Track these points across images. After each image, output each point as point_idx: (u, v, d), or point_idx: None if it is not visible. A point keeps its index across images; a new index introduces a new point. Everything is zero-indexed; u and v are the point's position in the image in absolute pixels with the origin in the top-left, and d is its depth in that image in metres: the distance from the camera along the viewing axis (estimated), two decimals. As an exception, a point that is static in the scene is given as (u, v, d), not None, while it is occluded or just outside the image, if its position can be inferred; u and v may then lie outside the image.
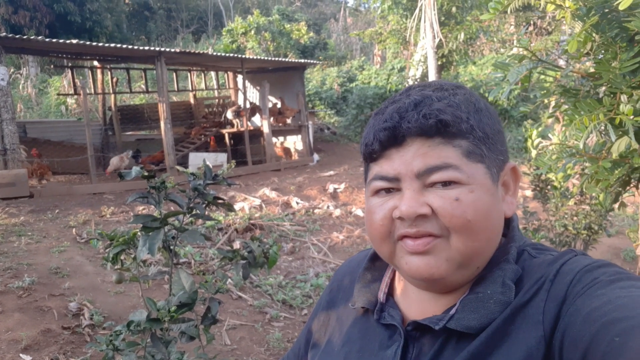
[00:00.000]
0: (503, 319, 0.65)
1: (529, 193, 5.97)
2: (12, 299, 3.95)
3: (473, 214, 0.66)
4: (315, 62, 15.17)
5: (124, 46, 9.58)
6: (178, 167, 2.37)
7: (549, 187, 4.48)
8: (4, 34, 8.83)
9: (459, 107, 0.69)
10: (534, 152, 4.09)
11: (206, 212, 2.18)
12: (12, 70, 18.48)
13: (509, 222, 0.75)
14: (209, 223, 6.50)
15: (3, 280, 4.21)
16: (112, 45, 9.47)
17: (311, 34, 22.88)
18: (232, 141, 12.12)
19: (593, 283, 0.61)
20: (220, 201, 2.21)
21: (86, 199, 8.12)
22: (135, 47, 9.75)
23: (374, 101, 15.66)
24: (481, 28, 10.37)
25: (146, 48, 9.98)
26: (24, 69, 18.85)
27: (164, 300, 1.97)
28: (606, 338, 0.54)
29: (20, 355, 3.28)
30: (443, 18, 10.71)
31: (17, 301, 3.94)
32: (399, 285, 0.80)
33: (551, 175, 3.44)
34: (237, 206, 7.39)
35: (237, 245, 5.68)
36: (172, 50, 10.29)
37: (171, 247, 2.10)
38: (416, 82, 9.44)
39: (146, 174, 1.99)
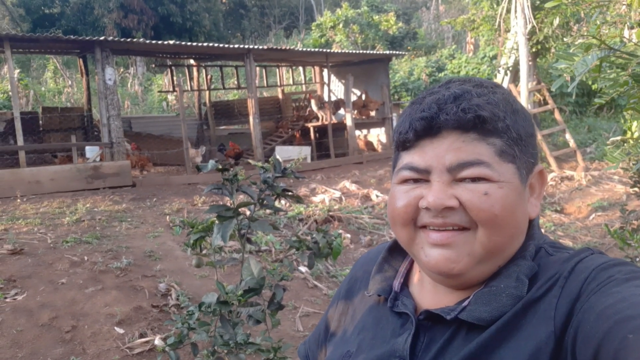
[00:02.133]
0: (514, 313, 0.65)
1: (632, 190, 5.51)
2: (111, 278, 4.41)
3: (500, 209, 0.67)
4: (400, 53, 14.97)
5: (216, 45, 10.14)
6: (250, 161, 2.53)
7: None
8: (111, 37, 9.72)
9: (497, 106, 0.69)
10: (619, 147, 3.78)
11: (285, 204, 2.31)
12: (121, 70, 20.24)
13: (530, 222, 0.75)
14: (290, 213, 6.74)
15: (105, 261, 4.71)
16: (205, 44, 10.06)
17: (400, 24, 22.53)
18: (317, 134, 12.37)
19: (608, 281, 0.61)
20: (289, 193, 2.33)
21: (181, 188, 8.74)
22: (226, 46, 10.28)
23: (464, 91, 15.11)
24: (581, 11, 9.60)
25: (236, 46, 10.48)
26: (132, 68, 20.54)
27: (234, 285, 2.13)
28: (619, 335, 0.54)
29: (115, 328, 3.67)
30: (538, 2, 10.07)
31: (115, 280, 4.39)
32: (415, 276, 0.82)
33: (653, 171, 3.17)
34: (317, 198, 7.57)
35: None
36: (260, 47, 10.70)
37: (244, 236, 2.25)
38: (508, 71, 8.95)
39: (220, 167, 2.17)
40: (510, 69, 11.26)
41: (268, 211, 2.22)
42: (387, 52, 14.06)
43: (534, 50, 10.60)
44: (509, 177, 0.68)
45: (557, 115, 10.92)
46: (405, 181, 0.72)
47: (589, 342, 0.57)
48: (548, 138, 11.35)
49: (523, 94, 8.55)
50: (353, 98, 12.02)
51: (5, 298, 3.90)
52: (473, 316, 0.67)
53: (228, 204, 2.14)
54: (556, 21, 9.14)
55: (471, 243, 0.68)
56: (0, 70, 16.48)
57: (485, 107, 0.68)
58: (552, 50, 11.14)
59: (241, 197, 2.19)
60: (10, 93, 9.87)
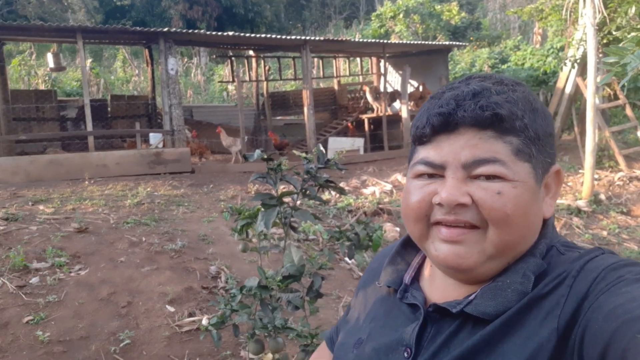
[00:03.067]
0: (518, 308, 0.66)
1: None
2: (165, 259, 4.64)
3: (513, 209, 0.67)
4: (461, 44, 14.56)
5: (273, 36, 10.29)
6: (295, 151, 2.59)
7: None
8: (174, 29, 10.10)
9: (516, 104, 0.69)
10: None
11: (335, 195, 2.36)
12: (185, 60, 20.97)
13: (545, 221, 0.76)
14: (340, 204, 6.80)
15: (161, 242, 4.96)
16: (263, 35, 10.24)
17: (463, 14, 21.88)
18: (372, 126, 12.31)
19: (618, 281, 0.61)
20: (331, 184, 2.38)
21: (237, 176, 9.00)
22: (284, 37, 10.41)
23: (528, 84, 14.54)
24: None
25: (293, 37, 10.59)
26: (195, 58, 21.23)
27: (275, 271, 2.21)
28: (627, 335, 0.54)
29: (167, 306, 3.88)
30: (611, -10, 9.48)
31: (169, 261, 4.62)
32: (426, 270, 0.83)
33: None
34: (367, 190, 7.57)
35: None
36: (317, 38, 10.76)
37: (287, 224, 2.33)
38: (575, 64, 8.49)
39: (265, 157, 2.25)
40: (578, 61, 10.69)
41: (316, 202, 2.28)
42: (447, 42, 13.71)
43: (604, 41, 9.99)
44: (523, 177, 0.68)
45: (628, 111, 10.27)
46: (420, 176, 0.73)
47: (597, 341, 0.57)
48: (617, 135, 10.72)
49: (590, 88, 8.11)
50: (410, 89, 11.85)
51: (70, 272, 4.21)
52: (478, 310, 0.68)
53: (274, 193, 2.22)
54: (632, 10, 8.58)
55: (482, 241, 0.69)
56: (75, 60, 17.53)
57: (503, 105, 0.68)
58: (625, 42, 10.46)
59: (286, 187, 2.26)
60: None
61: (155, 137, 10.18)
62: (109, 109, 12.05)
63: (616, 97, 10.51)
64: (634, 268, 0.63)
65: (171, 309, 3.84)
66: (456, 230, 0.69)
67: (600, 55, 9.74)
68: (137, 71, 18.64)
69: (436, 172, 0.71)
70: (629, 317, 0.55)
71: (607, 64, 1.84)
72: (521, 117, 0.69)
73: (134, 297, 3.94)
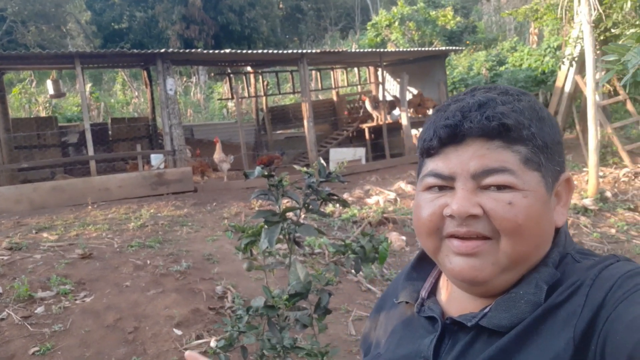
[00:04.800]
0: (534, 318, 0.66)
1: None
2: (171, 281, 4.61)
3: (524, 219, 0.67)
4: (458, 48, 14.59)
5: (271, 51, 10.34)
6: (295, 166, 2.57)
7: None
8: (171, 49, 10.16)
9: (523, 113, 0.70)
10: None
11: (338, 208, 2.32)
12: (184, 79, 21.09)
13: (557, 229, 0.75)
14: (344, 216, 6.75)
15: (165, 264, 4.92)
16: (260, 51, 10.29)
17: (458, 18, 21.97)
18: (372, 135, 12.29)
19: (636, 289, 0.60)
20: (333, 197, 2.35)
21: (240, 192, 8.97)
22: (281, 52, 10.45)
23: (526, 85, 14.51)
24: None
25: (290, 51, 10.64)
26: (195, 77, 21.35)
27: (281, 289, 2.17)
28: None
29: (174, 329, 3.84)
30: (606, -13, 9.47)
31: (174, 283, 4.58)
32: (443, 284, 0.83)
33: None
34: (371, 200, 7.53)
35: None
36: (314, 51, 10.81)
37: (292, 240, 2.29)
38: (573, 62, 8.47)
39: (266, 174, 2.22)
40: (576, 59, 10.66)
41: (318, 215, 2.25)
42: (444, 47, 13.73)
43: (601, 38, 9.97)
44: (534, 186, 0.68)
45: (629, 106, 10.22)
46: (429, 188, 0.73)
47: (620, 352, 0.56)
48: (620, 131, 10.65)
49: (589, 85, 8.08)
50: (409, 96, 11.84)
51: (75, 300, 4.18)
52: (493, 323, 0.68)
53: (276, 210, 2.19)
54: (627, 5, 8.57)
55: (495, 252, 0.68)
56: (74, 85, 17.67)
57: (510, 114, 0.68)
58: (622, 38, 10.43)
59: (289, 202, 2.23)
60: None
61: (156, 158, 10.20)
62: (109, 132, 12.09)
63: (616, 93, 10.46)
64: None
65: (178, 332, 3.80)
66: (470, 243, 0.69)
67: (598, 52, 9.71)
68: (136, 93, 18.76)
69: (446, 183, 0.71)
70: None
71: (608, 61, 1.81)
72: (528, 126, 0.69)
73: (141, 322, 3.90)
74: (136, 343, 3.67)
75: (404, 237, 6.26)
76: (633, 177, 8.51)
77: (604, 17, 8.91)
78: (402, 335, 0.82)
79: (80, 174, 9.53)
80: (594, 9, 8.12)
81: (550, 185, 0.71)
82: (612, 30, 9.70)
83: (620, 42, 1.77)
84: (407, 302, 0.84)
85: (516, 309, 0.67)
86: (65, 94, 13.78)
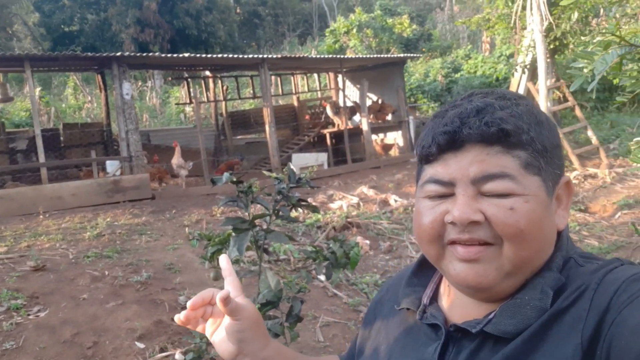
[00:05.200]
0: (540, 324, 0.65)
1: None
2: (131, 292, 4.43)
3: (526, 224, 0.66)
4: (415, 55, 14.89)
5: (231, 56, 10.22)
6: (265, 172, 2.51)
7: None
8: (128, 53, 9.88)
9: (521, 118, 0.69)
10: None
11: (303, 212, 2.29)
12: (139, 83, 20.56)
13: (559, 233, 0.74)
14: (308, 221, 6.72)
15: (125, 275, 4.74)
16: (220, 55, 10.15)
17: (414, 26, 22.44)
18: (333, 140, 12.34)
19: None
20: (304, 203, 2.30)
21: (200, 199, 8.79)
22: (241, 56, 10.35)
23: (481, 92, 14.95)
24: (600, 4, 9.40)
25: (251, 56, 10.56)
26: (150, 81, 20.85)
27: (251, 298, 2.10)
28: None
29: (136, 343, 3.68)
30: (554, -3, 9.90)
31: (135, 294, 4.41)
32: (444, 290, 0.82)
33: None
34: (335, 204, 7.53)
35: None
36: (274, 56, 10.76)
37: (261, 247, 2.23)
38: (525, 69, 8.80)
39: (235, 180, 2.15)
40: (528, 67, 11.08)
41: (283, 221, 2.20)
42: (402, 55, 13.98)
43: (551, 47, 10.41)
44: (534, 190, 0.68)
45: (577, 112, 10.69)
46: (429, 195, 0.72)
47: (625, 357, 0.56)
48: (569, 136, 11.11)
49: (542, 92, 8.40)
50: (368, 102, 11.97)
51: (29, 315, 3.95)
52: (498, 329, 0.67)
53: (244, 216, 2.13)
54: (574, 16, 8.96)
55: (498, 258, 0.68)
56: (23, 89, 16.90)
57: (508, 120, 0.68)
58: (571, 46, 10.93)
59: (256, 208, 2.18)
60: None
61: (112, 165, 9.86)
62: (61, 138, 11.61)
63: (566, 100, 10.92)
64: None
65: (141, 345, 3.65)
66: (473, 249, 0.68)
67: (548, 60, 10.13)
68: (89, 98, 18.12)
69: (446, 189, 0.70)
70: None
71: (576, 68, 1.86)
72: (527, 131, 0.68)
73: (100, 336, 3.72)
74: (96, 358, 3.49)
75: (367, 242, 6.28)
76: (583, 180, 8.88)
77: (554, 27, 9.30)
78: (405, 344, 0.80)
79: (30, 182, 9.09)
80: (545, 19, 8.46)
81: (551, 189, 0.70)
82: (570, 41, 10.13)
83: (589, 50, 1.83)
84: (408, 309, 0.83)
85: (522, 314, 0.67)
86: (13, 99, 13.13)
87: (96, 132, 11.78)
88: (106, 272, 4.77)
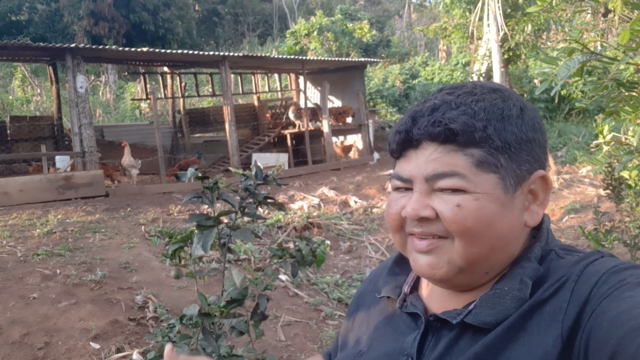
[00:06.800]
0: (519, 315, 0.65)
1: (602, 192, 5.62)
2: (85, 291, 4.26)
3: (473, 222, 0.67)
4: (375, 60, 15.11)
5: (191, 52, 10.02)
6: (231, 168, 2.47)
7: (622, 185, 4.19)
8: (83, 45, 9.52)
9: (476, 115, 0.68)
10: (605, 149, 3.85)
11: (265, 212, 2.27)
12: (92, 78, 19.83)
13: (540, 225, 0.75)
14: (269, 221, 6.67)
15: (78, 274, 4.55)
16: (180, 51, 9.93)
17: (374, 32, 22.76)
18: (294, 141, 12.32)
19: (620, 285, 0.60)
20: (270, 201, 2.28)
21: (156, 197, 8.56)
22: (201, 53, 10.16)
23: (438, 98, 15.31)
24: (551, 18, 9.86)
25: (211, 53, 10.38)
26: (104, 76, 20.16)
27: (216, 296, 2.06)
28: (634, 342, 0.53)
29: (90, 343, 3.54)
30: (509, 10, 10.30)
31: (89, 293, 4.24)
32: (424, 279, 0.82)
33: (625, 174, 3.23)
34: (296, 205, 7.52)
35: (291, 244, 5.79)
36: (236, 54, 10.63)
37: (225, 245, 2.19)
38: (481, 77, 9.11)
39: (200, 175, 2.10)
40: (483, 75, 11.46)
41: (247, 219, 2.17)
42: (362, 59, 14.14)
43: (505, 57, 10.82)
44: (487, 188, 0.67)
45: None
46: (397, 189, 0.75)
47: (603, 348, 0.56)
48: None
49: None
50: (329, 105, 12.03)
51: (-27, 315, 3.72)
52: (478, 320, 0.68)
53: (206, 213, 2.08)
54: (528, 28, 9.35)
55: (450, 251, 0.69)
56: (-35, 79, 15.96)
57: (457, 119, 0.67)
58: (523, 57, 11.39)
59: (219, 206, 2.14)
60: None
61: (62, 161, 9.44)
62: (8, 131, 11.04)
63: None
64: (635, 271, 0.62)
65: (96, 345, 3.51)
66: (425, 242, 0.70)
67: (502, 69, 10.51)
68: (38, 90, 17.32)
69: (406, 185, 0.72)
70: (635, 324, 0.54)
71: (541, 73, 1.93)
72: (482, 128, 0.67)
73: (52, 337, 3.55)
74: (47, 359, 3.33)
75: (328, 242, 6.30)
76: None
77: (509, 37, 9.66)
78: (385, 332, 0.81)
79: (-27, 176, 8.58)
80: (501, 29, 8.78)
81: (512, 186, 0.69)
82: (512, 48, 10.53)
83: (555, 55, 1.90)
84: (388, 297, 0.84)
85: (501, 305, 0.67)
86: (-46, 88, 12.39)
87: (46, 126, 11.27)
88: (58, 271, 4.57)
